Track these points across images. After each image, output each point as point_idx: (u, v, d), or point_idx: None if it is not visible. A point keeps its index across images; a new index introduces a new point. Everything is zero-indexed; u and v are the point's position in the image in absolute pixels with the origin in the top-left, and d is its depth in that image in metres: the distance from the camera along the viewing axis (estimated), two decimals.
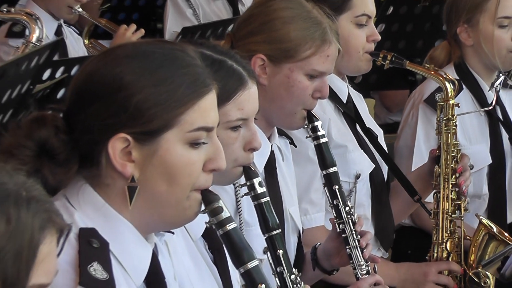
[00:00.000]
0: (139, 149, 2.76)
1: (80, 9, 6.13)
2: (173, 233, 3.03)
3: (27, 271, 2.17)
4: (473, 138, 5.23)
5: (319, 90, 4.02)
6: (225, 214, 2.89)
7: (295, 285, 3.34)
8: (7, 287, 2.15)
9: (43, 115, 2.81)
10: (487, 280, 4.72)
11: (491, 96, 5.30)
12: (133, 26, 6.25)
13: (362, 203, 4.63)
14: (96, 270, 2.71)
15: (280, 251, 3.37)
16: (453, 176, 4.80)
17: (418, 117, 5.25)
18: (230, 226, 2.90)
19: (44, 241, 2.19)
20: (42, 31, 5.44)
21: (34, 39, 5.35)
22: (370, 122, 4.96)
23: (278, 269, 3.34)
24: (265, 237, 3.38)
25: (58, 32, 5.75)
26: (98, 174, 2.80)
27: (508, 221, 5.35)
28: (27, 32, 5.51)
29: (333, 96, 4.61)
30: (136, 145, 2.74)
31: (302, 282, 3.37)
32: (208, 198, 2.86)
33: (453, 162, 4.83)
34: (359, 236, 3.93)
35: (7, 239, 2.14)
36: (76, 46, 6.13)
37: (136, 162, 2.76)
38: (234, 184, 3.52)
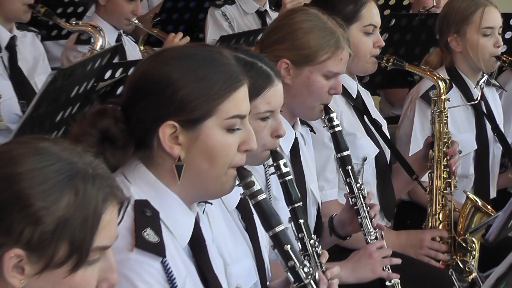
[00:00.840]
0: (185, 134, 2.79)
1: (136, 21, 6.16)
2: (211, 203, 3.06)
3: (91, 236, 2.20)
4: (461, 128, 5.24)
5: (334, 88, 4.04)
6: (257, 187, 2.92)
7: (313, 248, 3.36)
8: (74, 249, 2.19)
9: (105, 107, 2.86)
10: (473, 245, 4.75)
11: (476, 93, 5.32)
12: (180, 34, 6.27)
13: (368, 181, 4.64)
14: (149, 234, 2.74)
15: (302, 220, 3.39)
16: (445, 159, 4.83)
17: (415, 110, 5.26)
18: (261, 197, 2.93)
19: (106, 211, 2.23)
20: (105, 39, 5.47)
21: (98, 47, 5.38)
22: (375, 114, 4.97)
23: (300, 235, 3.36)
24: (289, 209, 3.39)
25: (118, 40, 5.77)
26: (150, 155, 2.84)
27: (491, 197, 5.36)
28: (92, 40, 5.54)
29: (345, 93, 4.62)
30: (182, 131, 2.78)
31: (320, 246, 3.39)
32: (242, 174, 2.89)
33: (444, 147, 4.86)
34: (368, 208, 3.95)
35: (75, 208, 2.18)
36: (133, 51, 6.14)
37: (182, 145, 2.79)
38: (263, 165, 3.53)
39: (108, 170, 2.31)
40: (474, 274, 4.54)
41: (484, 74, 5.35)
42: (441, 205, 4.87)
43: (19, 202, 2.17)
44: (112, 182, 2.28)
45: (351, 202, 3.99)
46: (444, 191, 4.87)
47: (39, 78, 5.48)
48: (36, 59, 5.69)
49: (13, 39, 5.50)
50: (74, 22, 6.00)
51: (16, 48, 5.52)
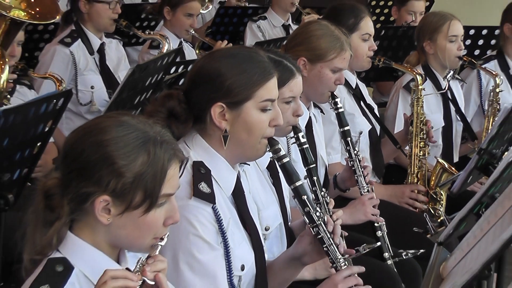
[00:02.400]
0: (230, 112, 2.79)
1: (193, 32, 6.14)
2: (249, 164, 3.07)
3: (160, 186, 2.21)
4: (432, 110, 5.19)
5: (338, 79, 4.01)
6: (282, 152, 2.93)
7: (323, 198, 3.35)
8: (147, 195, 2.20)
9: (171, 92, 2.87)
10: (441, 196, 4.74)
11: (444, 84, 5.28)
12: (225, 41, 6.26)
13: (363, 149, 4.60)
14: (203, 187, 2.75)
15: (314, 178, 3.39)
16: (421, 133, 4.80)
17: (399, 97, 5.22)
18: (285, 160, 2.93)
19: (170, 168, 2.24)
20: (170, 45, 5.49)
21: (164, 50, 5.37)
22: (369, 100, 4.93)
23: (313, 189, 3.35)
24: (306, 169, 3.38)
25: (180, 45, 5.72)
26: (204, 128, 2.84)
27: (454, 161, 5.32)
28: (160, 46, 5.55)
29: (347, 83, 4.57)
30: (228, 110, 2.78)
31: (328, 196, 3.37)
32: (272, 143, 2.89)
33: (420, 124, 4.83)
34: (363, 168, 3.93)
35: (147, 166, 2.19)
36: (191, 54, 6.12)
37: (228, 120, 2.79)
38: (286, 137, 3.50)
39: (172, 137, 2.33)
40: (442, 217, 4.55)
41: (450, 71, 5.30)
42: (417, 167, 4.84)
43: (107, 161, 2.18)
44: (175, 146, 2.29)
45: (350, 164, 3.95)
46: (420, 157, 4.84)
47: (121, 73, 5.47)
48: (119, 60, 5.69)
49: (102, 45, 5.49)
50: (147, 32, 6.03)
51: (105, 51, 5.50)
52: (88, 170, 2.19)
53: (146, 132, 2.25)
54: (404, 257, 3.92)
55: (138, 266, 2.16)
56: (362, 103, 4.76)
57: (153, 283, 2.15)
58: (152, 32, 6.15)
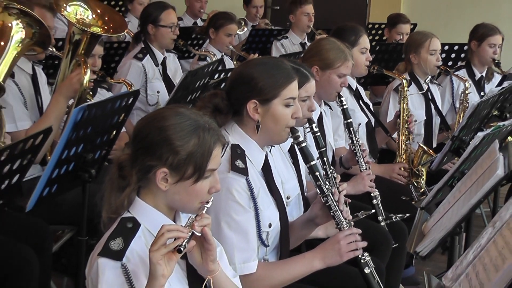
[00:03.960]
0: (261, 107, 2.76)
1: (232, 48, 6.12)
2: (274, 147, 3.02)
3: (206, 162, 2.18)
4: (416, 107, 5.09)
5: (343, 83, 3.95)
6: (301, 138, 2.90)
7: (332, 174, 3.29)
8: (196, 170, 2.17)
9: (216, 92, 2.84)
10: (423, 172, 4.67)
11: (425, 87, 5.20)
12: (256, 55, 6.24)
13: (362, 137, 4.54)
14: (239, 163, 2.72)
15: (325, 158, 3.32)
16: (407, 124, 4.74)
17: (390, 97, 5.14)
18: (303, 144, 2.91)
19: (215, 149, 2.21)
20: (213, 58, 5.48)
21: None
22: (366, 99, 4.86)
23: (324, 167, 3.29)
24: (318, 152, 3.34)
25: (221, 58, 5.65)
26: (241, 119, 2.80)
27: (433, 146, 5.24)
28: (207, 59, 5.54)
29: (349, 86, 4.52)
30: (260, 106, 2.76)
31: (335, 173, 3.33)
32: (293, 131, 2.86)
33: (406, 117, 4.75)
34: (362, 151, 3.88)
35: (197, 147, 2.16)
36: (230, 65, 6.07)
37: (260, 113, 2.77)
38: (303, 127, 3.46)
39: (217, 126, 2.29)
40: (423, 189, 4.50)
41: (429, 76, 5.23)
42: (404, 150, 4.74)
43: (166, 142, 2.17)
44: (219, 132, 2.26)
45: (352, 148, 3.90)
46: (406, 142, 4.75)
47: (177, 81, 5.46)
48: (176, 70, 5.67)
49: (164, 59, 5.47)
50: (197, 48, 6.05)
51: (166, 64, 5.48)
52: (152, 148, 2.18)
53: (197, 121, 2.23)
54: (394, 220, 3.87)
55: (188, 222, 2.15)
56: (360, 101, 4.70)
57: (199, 235, 2.14)
58: (201, 49, 6.21)
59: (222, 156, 2.32)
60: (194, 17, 7.87)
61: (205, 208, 2.21)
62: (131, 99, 3.11)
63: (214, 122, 2.30)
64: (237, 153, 2.75)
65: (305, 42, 7.14)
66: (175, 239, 2.07)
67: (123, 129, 3.64)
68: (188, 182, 2.19)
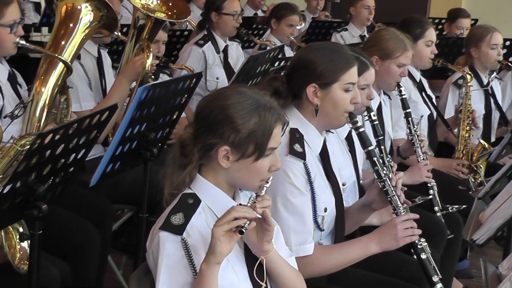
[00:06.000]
0: (321, 91, 2.75)
1: (292, 38, 6.14)
2: (332, 133, 3.02)
3: (267, 141, 2.19)
4: (475, 101, 4.96)
5: (402, 72, 3.92)
6: (359, 123, 2.88)
7: (389, 163, 3.29)
8: (257, 148, 2.18)
9: (276, 76, 2.86)
10: (481, 168, 4.61)
11: (485, 81, 5.13)
12: None
13: (423, 129, 4.53)
14: (297, 147, 2.72)
15: (382, 147, 3.32)
16: (468, 119, 4.69)
17: (449, 91, 5.09)
18: (361, 129, 2.89)
19: (275, 127, 2.21)
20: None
21: None
22: (429, 91, 4.83)
23: (381, 155, 3.28)
24: (375, 140, 3.33)
25: (282, 45, 5.65)
26: (300, 103, 2.79)
27: (491, 141, 5.15)
28: (268, 48, 5.57)
29: (412, 78, 4.53)
30: (320, 90, 2.74)
31: (392, 161, 3.32)
32: (351, 116, 2.84)
33: (468, 113, 4.71)
34: (420, 142, 3.85)
35: (258, 125, 2.17)
36: (290, 54, 6.08)
37: (319, 97, 2.75)
38: (361, 115, 3.45)
39: (277, 105, 2.29)
40: (481, 179, 4.45)
41: (493, 71, 5.16)
42: (463, 145, 4.69)
43: (228, 120, 2.18)
44: (280, 111, 2.27)
45: (409, 138, 3.88)
46: (466, 137, 4.70)
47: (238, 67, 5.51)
48: (238, 58, 5.71)
49: (226, 46, 5.51)
50: (257, 38, 6.08)
51: (228, 51, 5.52)
52: (214, 126, 2.20)
53: (258, 100, 2.23)
54: (450, 211, 3.84)
55: (249, 203, 2.16)
56: (423, 93, 4.66)
57: (260, 216, 2.15)
58: (263, 38, 6.23)
59: (282, 136, 2.32)
60: (254, 9, 7.92)
61: (265, 188, 2.22)
62: (194, 81, 3.14)
63: (275, 101, 2.30)
64: (296, 137, 2.74)
65: (365, 35, 7.10)
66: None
67: (183, 114, 3.69)
68: (249, 160, 2.20)
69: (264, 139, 2.20)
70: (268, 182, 2.25)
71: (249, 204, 2.15)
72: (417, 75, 4.68)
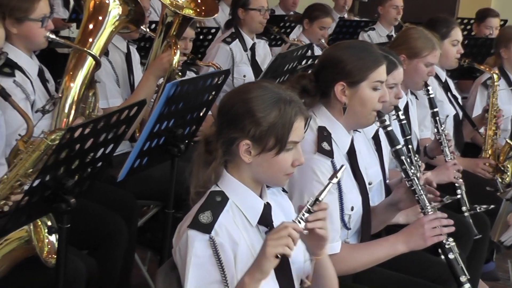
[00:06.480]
0: (349, 90, 2.73)
1: (323, 40, 6.14)
2: (360, 132, 3.00)
3: (287, 134, 2.18)
4: (504, 101, 4.93)
5: (430, 72, 3.91)
6: (387, 122, 2.87)
7: (417, 162, 3.28)
8: (278, 141, 2.17)
9: (304, 73, 2.85)
10: (508, 168, 4.57)
11: None
12: None
13: (449, 129, 4.49)
14: (325, 145, 2.71)
15: (410, 146, 3.31)
16: (495, 118, 4.65)
17: (477, 91, 5.06)
18: (389, 128, 2.88)
19: (296, 121, 2.20)
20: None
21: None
22: (454, 91, 4.80)
23: (408, 154, 3.26)
24: (403, 139, 3.32)
25: (311, 43, 5.66)
26: (328, 101, 2.78)
27: None
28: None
29: (438, 78, 4.50)
30: (348, 88, 2.73)
31: (420, 161, 3.30)
32: (379, 114, 2.83)
33: (494, 112, 4.67)
34: (447, 141, 3.82)
35: (279, 118, 2.16)
36: (318, 52, 6.06)
37: (347, 96, 2.74)
38: (389, 114, 3.43)
39: (299, 98, 2.28)
40: (509, 180, 4.42)
41: None
42: (490, 145, 4.66)
43: (249, 113, 2.18)
44: (300, 105, 2.25)
45: (437, 137, 3.86)
46: (493, 137, 4.66)
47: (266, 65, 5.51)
48: (265, 56, 5.71)
49: (253, 44, 5.51)
50: (289, 37, 6.09)
51: (255, 49, 5.52)
52: (235, 120, 2.19)
53: (279, 94, 2.22)
54: (478, 211, 3.82)
55: (302, 214, 2.12)
56: (449, 93, 4.63)
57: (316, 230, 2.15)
58: (294, 38, 6.25)
59: (305, 132, 2.30)
60: (286, 11, 7.88)
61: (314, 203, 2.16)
62: (222, 78, 3.14)
63: (296, 95, 2.29)
64: (324, 135, 2.73)
65: (392, 35, 7.06)
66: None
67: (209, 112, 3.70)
68: (270, 153, 2.19)
69: (284, 132, 2.18)
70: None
71: (301, 216, 2.11)
72: (443, 75, 4.65)
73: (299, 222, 2.10)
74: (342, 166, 2.26)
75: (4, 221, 2.39)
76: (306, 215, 2.13)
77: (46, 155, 2.67)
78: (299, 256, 2.30)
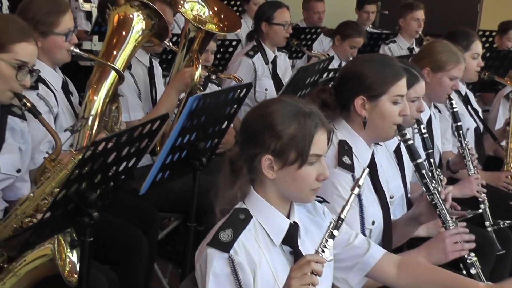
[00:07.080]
0: (369, 104, 2.73)
1: (351, 58, 6.09)
2: (381, 145, 3.00)
3: (308, 147, 2.17)
4: None
5: (454, 85, 3.89)
6: (408, 136, 2.86)
7: (438, 176, 3.27)
8: (299, 154, 2.17)
9: (325, 87, 2.86)
10: None
11: None
12: None
13: (470, 142, 4.46)
14: (346, 159, 2.71)
15: (431, 160, 3.30)
16: None
17: (500, 104, 5.04)
18: (410, 142, 2.87)
19: (317, 133, 2.19)
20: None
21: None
22: (475, 105, 4.78)
23: (429, 168, 3.25)
24: (425, 153, 3.31)
25: (332, 57, 5.62)
26: (348, 115, 2.78)
27: None
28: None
29: (458, 91, 4.46)
30: (368, 102, 2.73)
31: (441, 175, 3.28)
32: (400, 129, 2.82)
33: None
34: (471, 155, 3.81)
35: (299, 131, 2.16)
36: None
37: (367, 109, 2.74)
38: (411, 128, 3.42)
39: (319, 111, 2.27)
40: None
41: None
42: None
43: (268, 127, 2.18)
44: (321, 117, 2.25)
45: (460, 151, 3.84)
46: None
47: (286, 79, 5.51)
48: (286, 69, 5.73)
49: (275, 57, 5.53)
50: (307, 48, 6.06)
51: (276, 62, 5.53)
52: (255, 136, 2.19)
53: (298, 107, 2.22)
54: (501, 226, 3.79)
55: (324, 244, 2.10)
56: (469, 106, 4.62)
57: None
58: (316, 51, 6.25)
59: (329, 147, 2.28)
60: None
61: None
62: (244, 91, 3.15)
63: (316, 108, 2.28)
64: (345, 149, 2.73)
65: (413, 47, 7.05)
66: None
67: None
68: (293, 167, 2.18)
69: (305, 145, 2.17)
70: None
71: (325, 243, 2.09)
72: (463, 88, 4.64)
73: (322, 251, 2.08)
74: (364, 170, 2.24)
75: (28, 234, 2.40)
76: (330, 240, 2.10)
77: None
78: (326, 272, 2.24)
